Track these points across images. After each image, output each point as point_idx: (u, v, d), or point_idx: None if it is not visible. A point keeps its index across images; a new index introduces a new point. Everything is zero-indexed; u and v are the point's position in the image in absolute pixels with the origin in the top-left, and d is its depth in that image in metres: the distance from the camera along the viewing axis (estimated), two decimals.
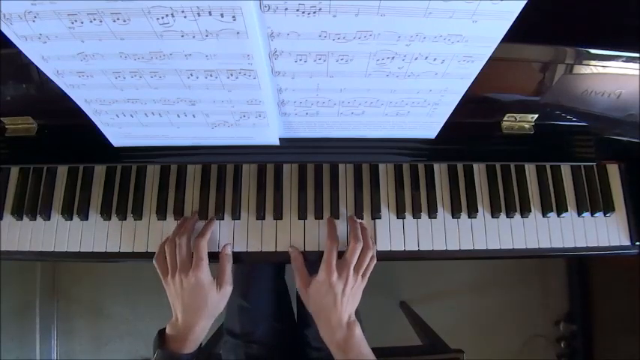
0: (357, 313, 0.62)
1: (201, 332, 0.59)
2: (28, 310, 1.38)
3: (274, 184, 0.67)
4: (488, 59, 0.44)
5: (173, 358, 0.57)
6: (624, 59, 0.52)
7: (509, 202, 0.67)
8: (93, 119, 0.54)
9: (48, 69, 0.45)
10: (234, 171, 0.68)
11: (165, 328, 0.60)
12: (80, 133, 0.59)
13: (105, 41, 0.40)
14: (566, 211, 0.67)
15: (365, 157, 0.65)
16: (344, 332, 0.58)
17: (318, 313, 0.61)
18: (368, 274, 0.62)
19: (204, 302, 0.59)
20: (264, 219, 0.66)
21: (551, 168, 0.69)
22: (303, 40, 0.41)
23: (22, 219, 0.66)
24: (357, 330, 0.59)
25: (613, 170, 0.69)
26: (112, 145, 0.59)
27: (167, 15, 0.37)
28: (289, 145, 0.60)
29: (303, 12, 0.38)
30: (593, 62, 0.52)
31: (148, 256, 0.65)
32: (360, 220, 0.66)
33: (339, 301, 0.58)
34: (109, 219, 0.66)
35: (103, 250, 0.65)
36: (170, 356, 0.57)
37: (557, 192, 0.68)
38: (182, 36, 0.40)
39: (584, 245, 0.66)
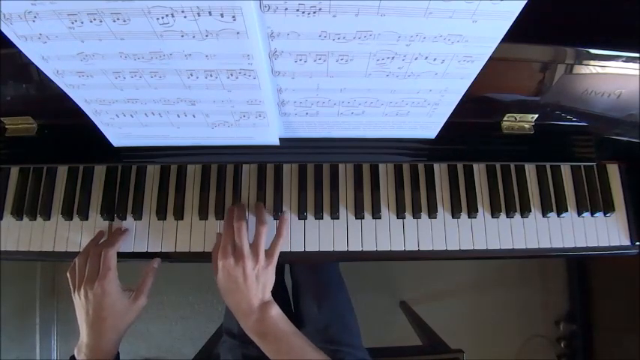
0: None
1: (110, 346, 0.56)
2: (28, 310, 1.38)
3: (274, 184, 0.67)
4: (489, 59, 0.44)
5: None
6: (624, 59, 0.52)
7: (509, 202, 0.67)
8: (93, 119, 0.54)
9: (48, 69, 0.45)
10: (234, 171, 0.68)
11: (74, 355, 0.56)
12: (80, 133, 0.59)
13: (105, 41, 0.40)
14: (566, 211, 0.67)
15: (365, 157, 0.65)
16: (257, 315, 0.56)
17: (230, 303, 0.58)
18: (275, 253, 0.60)
19: (109, 313, 0.56)
20: None
21: (551, 168, 0.69)
22: (303, 40, 0.41)
23: (22, 219, 0.66)
24: (273, 310, 0.57)
25: (613, 170, 0.69)
26: (112, 145, 0.59)
27: (167, 15, 0.37)
28: (289, 145, 0.60)
29: (303, 12, 0.38)
30: (593, 62, 0.52)
31: (148, 256, 0.65)
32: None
33: (243, 284, 0.56)
34: (109, 219, 0.66)
35: None
36: None
37: (557, 192, 0.68)
38: (182, 36, 0.40)
39: (584, 245, 0.66)
